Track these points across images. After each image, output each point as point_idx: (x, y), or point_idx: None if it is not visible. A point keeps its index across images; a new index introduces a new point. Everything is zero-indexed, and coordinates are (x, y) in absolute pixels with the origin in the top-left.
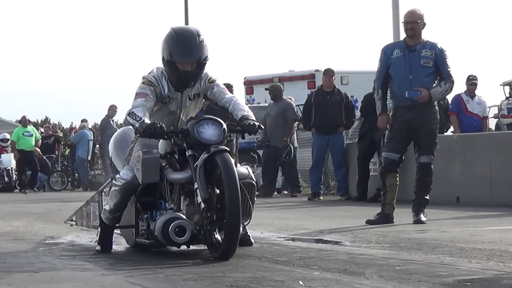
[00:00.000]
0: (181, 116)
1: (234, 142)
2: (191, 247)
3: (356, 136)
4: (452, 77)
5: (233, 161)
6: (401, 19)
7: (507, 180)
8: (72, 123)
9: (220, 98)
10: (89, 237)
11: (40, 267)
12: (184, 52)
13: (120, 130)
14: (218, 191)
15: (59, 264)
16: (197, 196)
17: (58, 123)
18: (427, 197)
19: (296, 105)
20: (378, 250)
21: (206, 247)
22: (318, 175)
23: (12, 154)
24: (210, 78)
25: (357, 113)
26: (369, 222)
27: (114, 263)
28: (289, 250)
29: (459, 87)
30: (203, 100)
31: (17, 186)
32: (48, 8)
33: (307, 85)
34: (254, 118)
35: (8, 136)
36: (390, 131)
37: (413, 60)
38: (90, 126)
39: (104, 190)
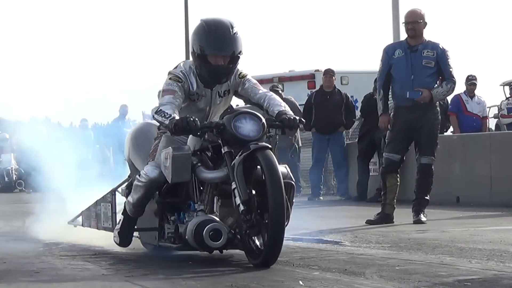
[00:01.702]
0: (210, 114)
1: (276, 138)
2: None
3: (356, 136)
4: (454, 78)
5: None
6: (401, 19)
7: (507, 180)
8: (71, 123)
9: (253, 94)
10: (89, 238)
11: (40, 267)
12: (216, 45)
13: (138, 125)
14: (254, 192)
15: (59, 264)
16: (235, 197)
17: (58, 123)
18: (427, 197)
19: None
20: (378, 250)
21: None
22: (318, 175)
23: (12, 154)
24: (241, 73)
25: (357, 113)
26: (369, 222)
27: (114, 263)
28: (289, 250)
29: (458, 87)
30: (233, 96)
31: (17, 186)
32: (47, 7)
33: (307, 85)
34: (292, 113)
35: (7, 136)
36: (391, 132)
37: (414, 61)
38: (90, 126)
39: (118, 189)
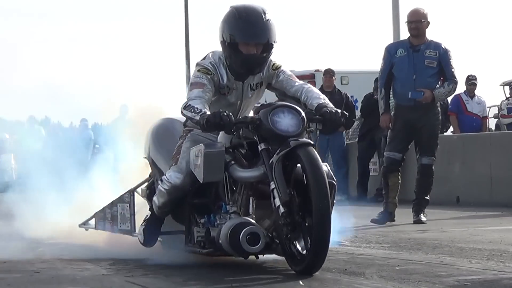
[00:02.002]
0: (241, 109)
1: (317, 133)
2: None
3: (356, 136)
4: (455, 78)
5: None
6: (401, 19)
7: (507, 180)
8: (72, 122)
9: (288, 87)
10: (90, 238)
11: (40, 267)
12: (248, 32)
13: (160, 121)
14: (294, 192)
15: (59, 264)
16: (274, 198)
17: (58, 122)
18: (428, 198)
19: None
20: (378, 250)
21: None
22: None
23: (12, 154)
24: (275, 64)
25: (357, 113)
26: (374, 221)
27: (114, 263)
28: None
29: (458, 87)
30: (266, 89)
31: (17, 186)
32: (46, 6)
33: None
34: (332, 105)
35: (7, 136)
36: (392, 131)
37: (417, 60)
38: (90, 126)
39: (137, 190)
